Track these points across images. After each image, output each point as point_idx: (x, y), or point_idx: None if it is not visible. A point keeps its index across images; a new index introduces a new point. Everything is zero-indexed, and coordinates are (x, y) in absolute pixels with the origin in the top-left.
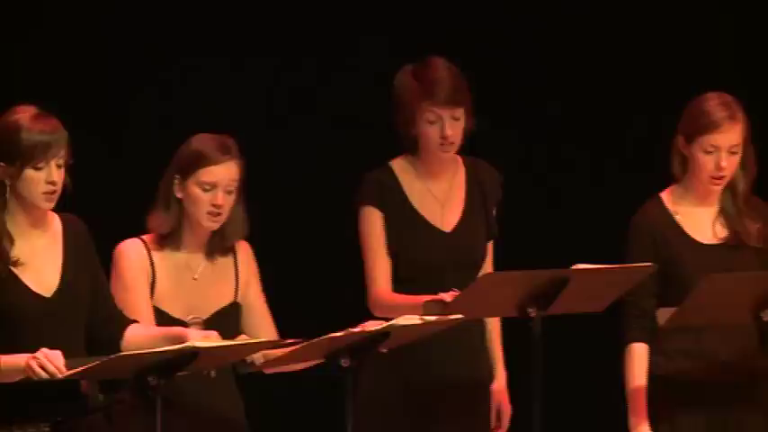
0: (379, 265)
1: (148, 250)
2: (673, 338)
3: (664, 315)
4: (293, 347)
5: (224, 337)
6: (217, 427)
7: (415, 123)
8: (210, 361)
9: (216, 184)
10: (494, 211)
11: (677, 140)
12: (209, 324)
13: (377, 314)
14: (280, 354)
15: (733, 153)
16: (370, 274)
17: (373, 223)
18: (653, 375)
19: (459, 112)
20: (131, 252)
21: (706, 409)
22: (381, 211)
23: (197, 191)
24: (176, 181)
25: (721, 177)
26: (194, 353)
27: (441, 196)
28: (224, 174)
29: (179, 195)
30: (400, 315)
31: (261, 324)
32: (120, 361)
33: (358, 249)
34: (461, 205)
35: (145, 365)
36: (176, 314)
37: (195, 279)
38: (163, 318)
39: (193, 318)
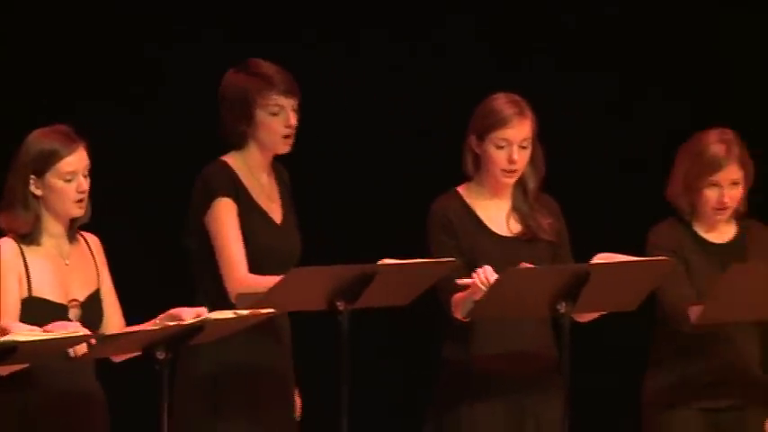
0: (238, 252)
1: (20, 247)
2: (473, 329)
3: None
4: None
5: (93, 321)
6: (78, 404)
7: (253, 118)
8: (31, 355)
9: (75, 172)
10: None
11: (469, 140)
12: (85, 306)
13: (236, 301)
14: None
15: (523, 147)
16: (230, 261)
17: (230, 213)
18: (453, 365)
19: (297, 105)
20: (5, 251)
21: (504, 398)
22: (235, 202)
23: (60, 184)
24: (32, 180)
25: (513, 171)
26: (13, 347)
27: (267, 190)
28: (79, 161)
29: (38, 193)
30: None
31: (111, 315)
32: None
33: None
34: (280, 201)
35: None
36: (58, 300)
37: (67, 264)
38: (47, 305)
39: (72, 301)
